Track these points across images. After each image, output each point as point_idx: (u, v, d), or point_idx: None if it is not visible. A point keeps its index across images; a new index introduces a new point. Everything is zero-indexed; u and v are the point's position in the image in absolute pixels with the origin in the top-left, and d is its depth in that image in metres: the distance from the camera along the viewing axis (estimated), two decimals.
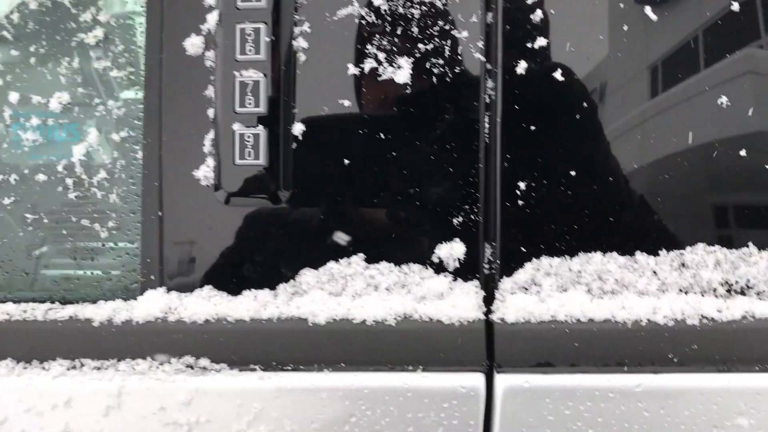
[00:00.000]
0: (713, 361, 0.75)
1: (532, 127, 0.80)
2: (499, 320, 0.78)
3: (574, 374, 0.75)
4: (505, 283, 0.80)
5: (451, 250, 0.80)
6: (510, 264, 0.80)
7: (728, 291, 0.78)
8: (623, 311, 0.77)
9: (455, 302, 0.78)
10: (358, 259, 0.81)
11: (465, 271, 0.80)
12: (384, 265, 0.81)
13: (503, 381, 0.76)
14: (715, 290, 0.78)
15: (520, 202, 0.80)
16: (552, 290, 0.79)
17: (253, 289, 0.82)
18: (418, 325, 0.78)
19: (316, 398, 0.76)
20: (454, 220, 0.80)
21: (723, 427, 0.72)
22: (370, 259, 0.81)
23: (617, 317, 0.76)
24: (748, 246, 0.78)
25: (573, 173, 0.79)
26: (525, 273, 0.80)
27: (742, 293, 0.78)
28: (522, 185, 0.80)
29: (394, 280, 0.80)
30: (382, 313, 0.78)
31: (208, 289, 0.83)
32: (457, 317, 0.77)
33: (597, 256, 0.80)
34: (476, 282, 0.80)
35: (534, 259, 0.80)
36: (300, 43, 0.82)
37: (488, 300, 0.80)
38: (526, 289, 0.80)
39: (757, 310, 0.75)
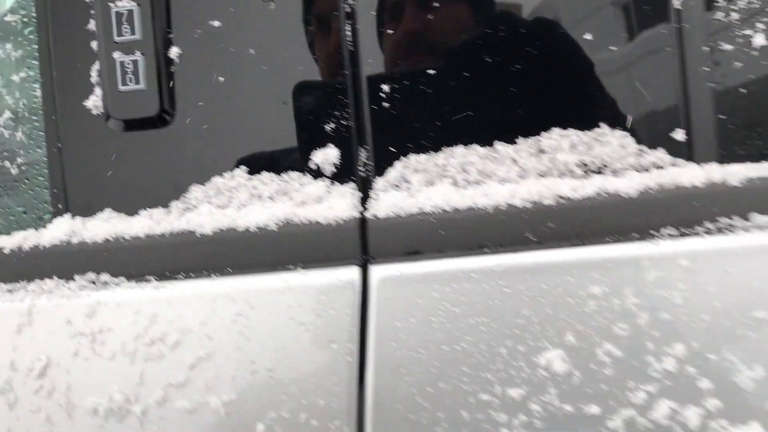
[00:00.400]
0: (569, 236, 0.79)
1: (390, 31, 0.83)
2: (372, 217, 0.82)
3: (440, 260, 0.80)
4: (378, 183, 0.85)
5: (326, 156, 0.84)
6: (382, 164, 0.85)
7: (585, 171, 0.82)
8: (485, 198, 0.81)
9: (332, 204, 0.83)
10: (240, 172, 0.86)
11: (341, 174, 0.85)
12: (266, 176, 0.86)
13: (377, 272, 0.81)
14: (572, 172, 0.82)
15: (386, 104, 0.84)
16: (420, 185, 0.83)
17: (148, 208, 0.88)
18: (298, 227, 0.83)
19: (206, 302, 0.82)
20: (327, 127, 0.84)
21: (578, 296, 0.76)
22: (252, 171, 0.86)
23: (479, 204, 0.80)
24: (600, 127, 0.82)
25: (431, 72, 0.83)
26: (395, 171, 0.84)
27: (599, 172, 0.82)
28: (386, 88, 0.84)
29: (276, 189, 0.85)
30: (264, 219, 0.83)
31: (108, 212, 0.88)
32: (333, 217, 0.82)
33: (460, 150, 0.83)
34: (352, 184, 0.84)
35: (403, 158, 0.84)
36: None
37: (366, 200, 0.85)
38: (398, 186, 0.84)
39: (610, 186, 0.79)
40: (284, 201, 0.84)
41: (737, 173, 0.77)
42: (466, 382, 0.77)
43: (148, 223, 0.86)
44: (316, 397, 0.78)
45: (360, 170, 0.85)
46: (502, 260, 0.78)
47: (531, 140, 0.83)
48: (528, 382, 0.76)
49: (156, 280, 0.85)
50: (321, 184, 0.84)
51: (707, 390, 0.73)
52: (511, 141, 0.83)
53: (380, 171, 0.85)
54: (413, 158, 0.84)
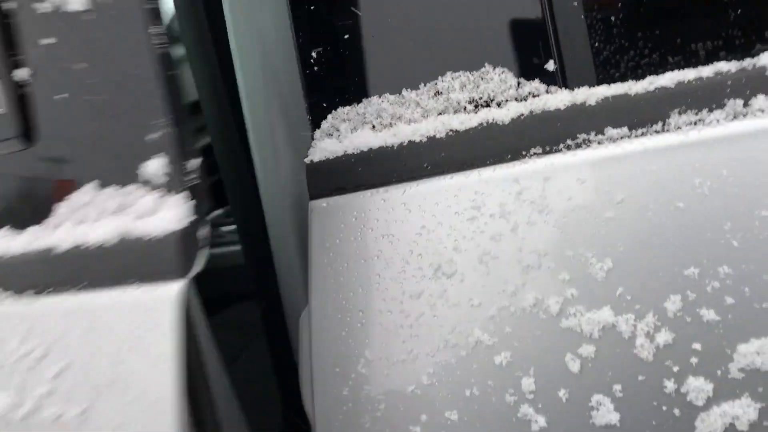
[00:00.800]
0: (457, 163, 0.93)
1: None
2: (309, 161, 1.01)
3: (359, 192, 0.98)
4: (317, 133, 1.03)
5: (155, 167, 0.89)
6: (318, 117, 1.03)
7: (475, 106, 0.96)
8: (394, 138, 0.97)
9: (164, 216, 0.88)
10: (89, 188, 0.93)
11: (171, 185, 0.89)
12: (108, 191, 0.92)
13: (314, 206, 1.00)
14: (465, 108, 0.96)
15: (316, 68, 1.02)
16: (347, 132, 1.01)
17: (33, 224, 0.96)
18: (134, 242, 0.88)
19: (66, 316, 0.91)
20: (152, 136, 0.89)
21: (462, 212, 0.91)
22: (102, 186, 0.93)
23: (388, 143, 0.97)
24: (485, 66, 0.95)
25: (346, 36, 1.00)
26: (327, 122, 1.03)
27: (487, 105, 0.95)
28: (314, 54, 1.02)
29: (120, 203, 0.91)
30: (105, 235, 0.89)
31: (4, 231, 0.99)
32: (163, 230, 0.87)
33: (374, 99, 1.00)
34: (184, 193, 0.88)
35: (333, 111, 1.02)
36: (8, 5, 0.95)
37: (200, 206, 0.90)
38: (330, 134, 1.02)
39: (491, 116, 0.93)
40: (124, 215, 0.89)
41: (595, 94, 0.88)
42: (380, 284, 0.95)
43: (27, 239, 0.94)
44: None
45: (188, 178, 0.89)
46: (404, 188, 0.95)
47: (430, 84, 0.98)
48: (426, 283, 0.92)
49: (34, 293, 0.93)
50: (154, 196, 0.89)
51: (565, 281, 0.86)
52: (415, 87, 0.99)
53: (317, 123, 1.03)
54: (341, 110, 1.02)
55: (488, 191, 0.90)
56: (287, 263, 1.16)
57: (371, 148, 0.98)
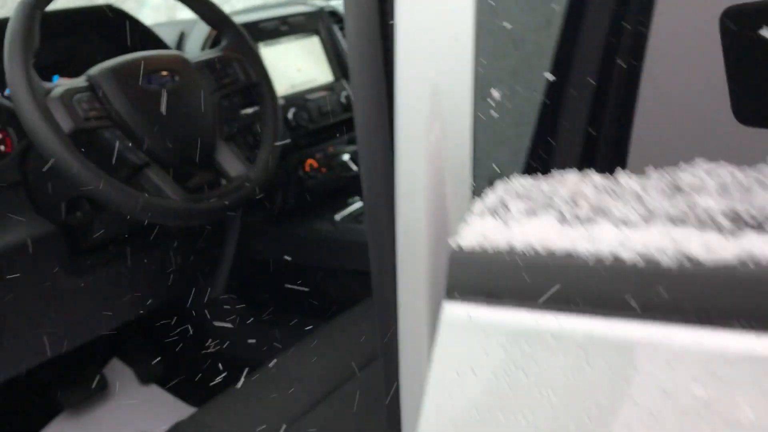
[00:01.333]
0: (683, 311, 0.57)
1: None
2: (457, 247, 0.69)
3: (518, 310, 0.64)
4: (476, 206, 0.71)
5: None
6: (482, 186, 0.71)
7: (736, 225, 0.59)
8: (588, 243, 0.62)
9: None
10: None
11: None
12: None
13: (449, 310, 0.68)
14: (717, 223, 0.59)
15: (493, 113, 0.70)
16: (520, 215, 0.68)
17: None
18: None
19: None
20: None
21: (674, 393, 0.56)
22: None
23: (579, 250, 0.63)
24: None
25: (550, 77, 0.66)
26: (494, 194, 0.70)
27: (759, 227, 0.58)
28: (496, 94, 0.69)
29: None
30: None
31: None
32: None
33: (572, 176, 0.66)
34: None
35: (506, 178, 0.70)
36: None
37: None
38: (495, 213, 0.70)
39: (761, 250, 0.55)
40: None
41: None
42: None
43: None
44: None
45: None
46: (588, 325, 0.60)
47: (666, 172, 0.62)
48: None
49: None
50: None
51: None
52: (639, 171, 0.63)
53: (479, 193, 0.71)
54: (517, 180, 0.69)
55: (730, 374, 0.54)
56: (412, 378, 0.85)
57: (551, 251, 0.64)
